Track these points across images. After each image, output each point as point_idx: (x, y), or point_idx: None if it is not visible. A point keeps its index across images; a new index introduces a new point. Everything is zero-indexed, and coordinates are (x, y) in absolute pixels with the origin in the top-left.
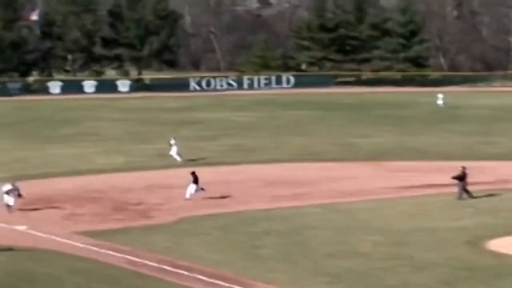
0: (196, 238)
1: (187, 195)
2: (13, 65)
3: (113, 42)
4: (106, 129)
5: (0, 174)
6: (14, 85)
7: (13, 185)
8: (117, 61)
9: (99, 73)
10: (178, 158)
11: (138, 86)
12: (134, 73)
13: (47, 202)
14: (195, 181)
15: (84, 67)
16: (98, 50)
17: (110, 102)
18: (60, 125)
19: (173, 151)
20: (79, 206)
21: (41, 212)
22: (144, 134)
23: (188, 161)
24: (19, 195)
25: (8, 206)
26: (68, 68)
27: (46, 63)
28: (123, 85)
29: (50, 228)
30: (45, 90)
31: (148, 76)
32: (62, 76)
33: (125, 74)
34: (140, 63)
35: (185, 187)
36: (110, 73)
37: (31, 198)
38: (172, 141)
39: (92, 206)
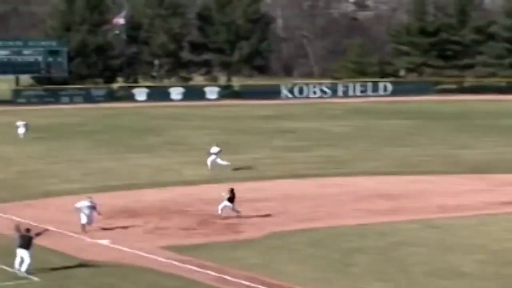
0: (286, 254)
1: (219, 211)
2: (98, 71)
3: (202, 47)
4: (193, 138)
5: (82, 185)
6: (99, 92)
7: (90, 201)
8: (206, 66)
9: (186, 79)
10: (223, 162)
11: (227, 93)
12: (223, 80)
13: (131, 215)
14: (231, 199)
15: (171, 73)
16: (186, 55)
17: (197, 110)
18: (146, 134)
19: (213, 158)
20: (164, 219)
21: (124, 225)
22: (232, 144)
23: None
24: (98, 213)
25: (83, 225)
26: (154, 74)
27: (132, 68)
28: (212, 92)
29: (133, 242)
30: (131, 97)
31: (237, 82)
32: (148, 83)
33: (214, 81)
34: (230, 69)
35: (274, 200)
36: (198, 79)
37: (114, 210)
38: (213, 149)
39: (177, 219)
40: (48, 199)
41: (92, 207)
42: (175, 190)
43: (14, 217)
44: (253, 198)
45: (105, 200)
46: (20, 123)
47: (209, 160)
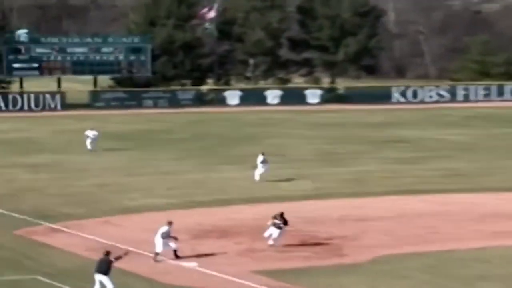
0: (396, 282)
1: (270, 241)
2: (185, 72)
3: (303, 44)
4: (292, 148)
5: (167, 200)
6: (186, 95)
7: (170, 226)
8: (307, 66)
9: (285, 81)
10: (257, 177)
11: (330, 96)
12: (326, 81)
13: (221, 235)
14: (279, 225)
15: (267, 73)
16: (285, 53)
17: (297, 116)
18: (239, 143)
19: (259, 169)
20: (258, 240)
21: (214, 246)
22: (337, 155)
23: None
24: (174, 238)
25: (156, 253)
26: (248, 74)
27: (224, 68)
28: (313, 95)
29: (223, 265)
30: (222, 101)
31: (343, 84)
32: (242, 85)
33: (316, 82)
34: (334, 69)
35: (384, 219)
36: (297, 81)
37: (202, 229)
38: (260, 158)
39: None
40: (128, 215)
41: (169, 233)
42: (271, 207)
43: (90, 236)
44: (359, 217)
45: (192, 217)
46: (89, 132)
47: (263, 168)
